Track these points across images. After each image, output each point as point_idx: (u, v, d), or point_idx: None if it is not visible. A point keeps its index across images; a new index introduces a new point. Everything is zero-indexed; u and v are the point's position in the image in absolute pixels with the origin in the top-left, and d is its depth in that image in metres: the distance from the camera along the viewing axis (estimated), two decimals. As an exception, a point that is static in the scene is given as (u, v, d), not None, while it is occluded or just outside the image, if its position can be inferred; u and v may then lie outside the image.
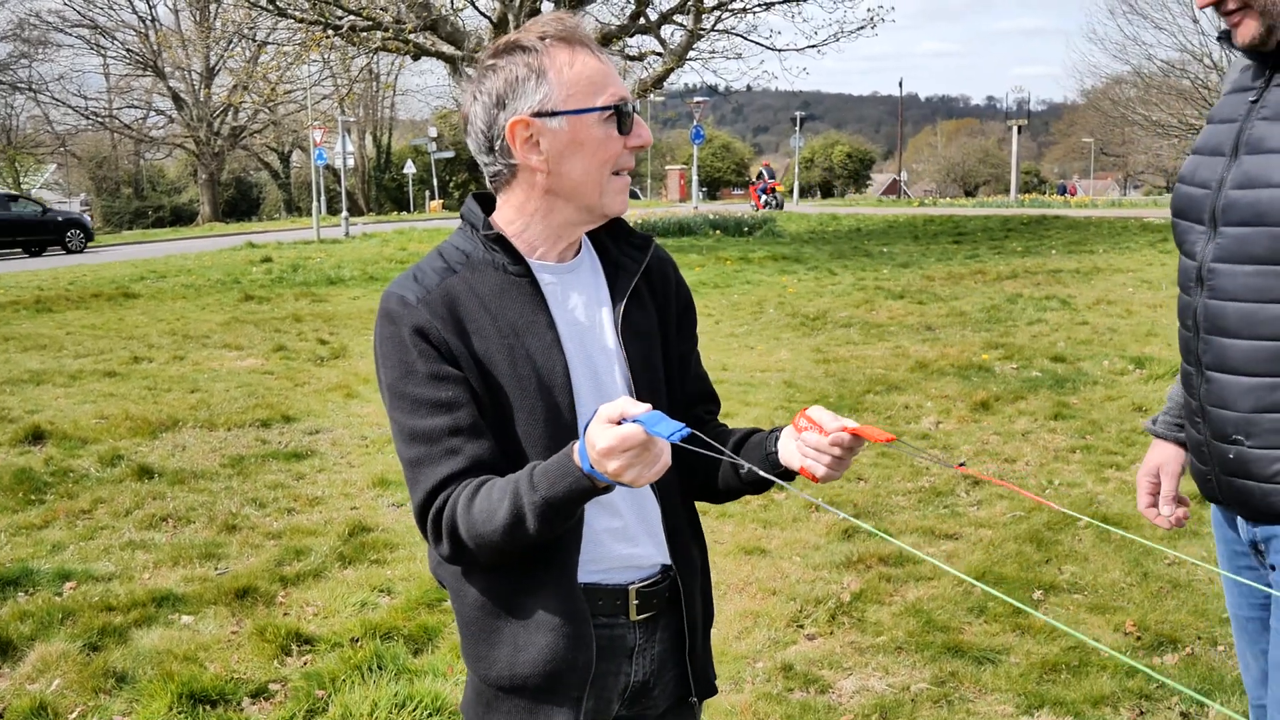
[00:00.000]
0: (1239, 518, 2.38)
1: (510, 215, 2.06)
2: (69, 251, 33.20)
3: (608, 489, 1.79)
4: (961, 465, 1.89)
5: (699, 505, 2.30)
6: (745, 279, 18.59)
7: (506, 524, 1.85)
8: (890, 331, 12.80)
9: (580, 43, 1.97)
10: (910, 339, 12.23)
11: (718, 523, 6.19)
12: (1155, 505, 2.65)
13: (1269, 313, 2.16)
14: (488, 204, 2.12)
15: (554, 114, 1.95)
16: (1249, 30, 2.16)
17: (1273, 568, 2.38)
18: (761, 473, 1.91)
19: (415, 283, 2.00)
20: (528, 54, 1.96)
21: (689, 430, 1.66)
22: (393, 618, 5.05)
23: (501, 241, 2.02)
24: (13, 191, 39.23)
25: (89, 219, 36.44)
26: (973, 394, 9.24)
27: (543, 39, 1.97)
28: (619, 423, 1.69)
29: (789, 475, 2.06)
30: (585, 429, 1.73)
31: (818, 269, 19.93)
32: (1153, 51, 47.87)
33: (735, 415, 8.61)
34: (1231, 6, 2.17)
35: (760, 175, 43.70)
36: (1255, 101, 2.24)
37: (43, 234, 33.40)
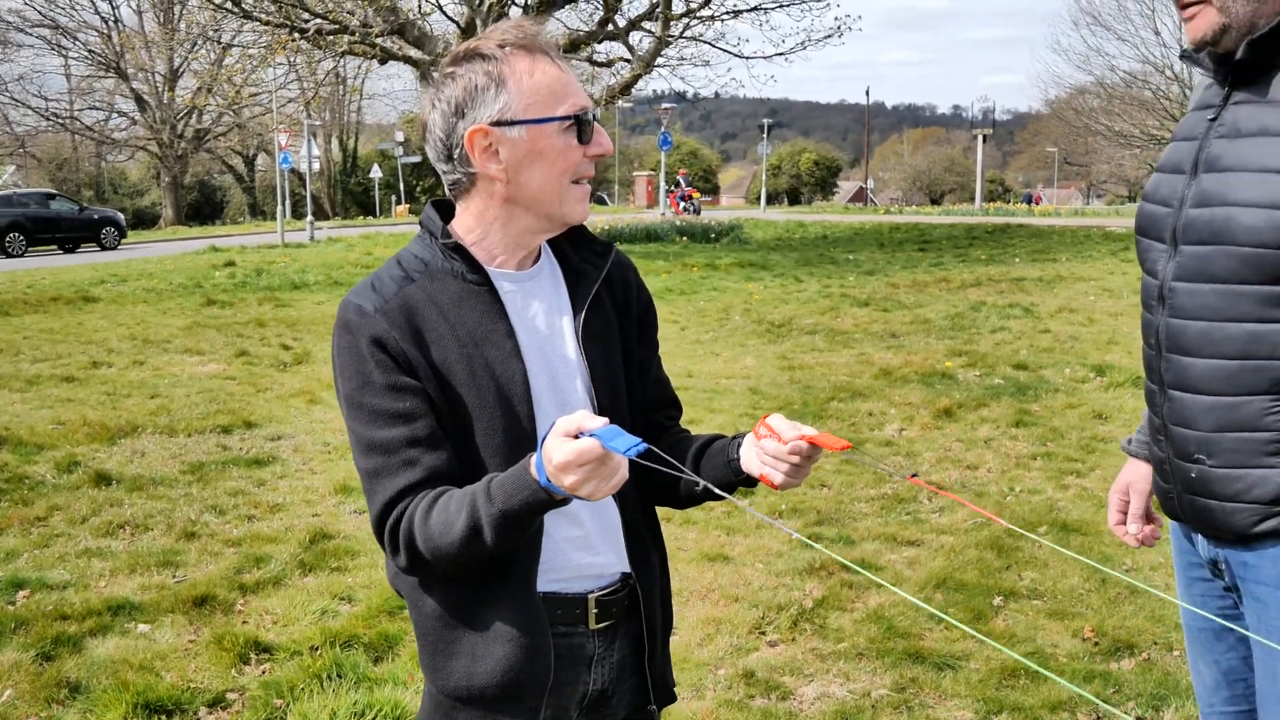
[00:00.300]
0: (1199, 535, 2.38)
1: (469, 223, 2.05)
2: (103, 248, 34.26)
3: (565, 501, 1.78)
4: (914, 476, 1.90)
5: (661, 511, 2.29)
6: (712, 286, 18.62)
7: (464, 536, 1.84)
8: (855, 339, 12.84)
9: (541, 51, 1.96)
10: (875, 346, 12.28)
11: (681, 529, 6.19)
12: (1125, 523, 2.66)
13: (1227, 332, 2.15)
14: (447, 212, 2.11)
15: (513, 123, 1.94)
16: (1203, 24, 2.15)
17: (1228, 589, 2.38)
18: (715, 489, 1.89)
19: (373, 292, 1.99)
20: (487, 62, 1.95)
21: (645, 445, 1.66)
22: (353, 625, 5.02)
23: (460, 250, 2.01)
24: (50, 190, 40.15)
25: (122, 217, 37.65)
26: (936, 401, 9.28)
27: (502, 47, 1.95)
28: (576, 436, 1.68)
29: (751, 481, 2.06)
30: (542, 442, 1.73)
31: (784, 276, 19.98)
32: (1115, 63, 48.69)
33: (700, 422, 8.61)
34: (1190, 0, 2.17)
35: (677, 183, 45.90)
36: (1214, 120, 2.24)
37: (79, 231, 34.57)
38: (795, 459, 1.93)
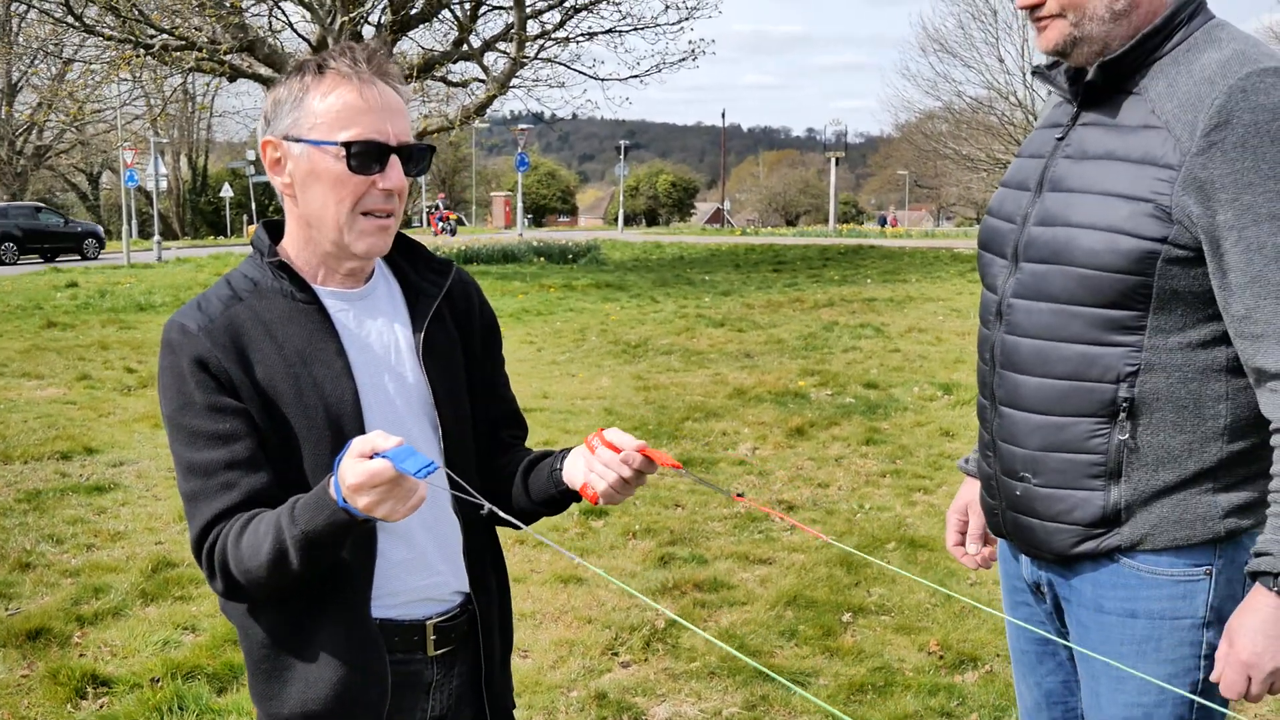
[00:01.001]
0: (1024, 557, 2.41)
1: (290, 241, 2.06)
2: (84, 258, 36.87)
3: (368, 522, 1.77)
4: (740, 495, 1.92)
5: (514, 532, 2.29)
6: (569, 306, 18.63)
7: (270, 559, 1.82)
8: (710, 359, 12.96)
9: (357, 76, 1.94)
10: (729, 366, 12.41)
11: (534, 551, 6.16)
12: (963, 543, 2.67)
13: (1060, 352, 2.16)
14: (278, 232, 2.09)
15: (298, 140, 1.95)
16: (1054, 34, 2.18)
17: (1050, 613, 2.43)
18: (500, 513, 1.84)
19: (199, 311, 1.97)
20: (302, 77, 1.97)
21: (437, 466, 1.66)
22: (196, 656, 4.88)
23: (287, 268, 2.00)
24: (39, 203, 41.89)
25: (102, 229, 40.54)
26: (788, 420, 9.41)
27: (321, 66, 1.96)
28: (371, 457, 1.67)
29: (571, 495, 2.08)
30: (338, 463, 1.71)
31: (640, 297, 20.09)
32: (962, 88, 49.84)
33: (556, 443, 8.59)
34: (1044, 13, 2.18)
35: (436, 206, 49.07)
36: (1061, 139, 2.25)
37: (64, 242, 37.29)
38: (626, 471, 1.93)
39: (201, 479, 1.91)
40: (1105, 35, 2.16)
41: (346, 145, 1.92)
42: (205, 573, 1.93)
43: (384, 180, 1.95)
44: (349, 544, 1.90)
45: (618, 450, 1.93)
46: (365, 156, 1.93)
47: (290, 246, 2.05)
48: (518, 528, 1.93)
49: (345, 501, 1.71)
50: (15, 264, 34.20)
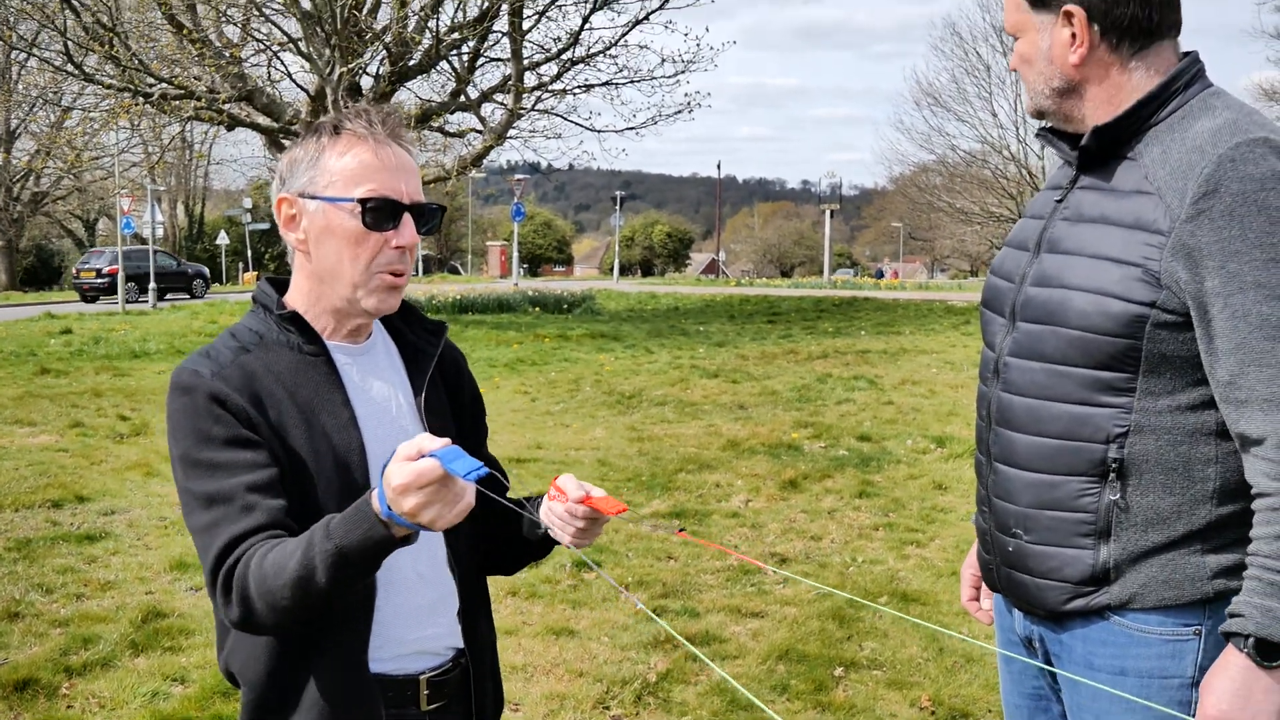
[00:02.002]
0: (1017, 611, 2.42)
1: (297, 296, 2.09)
2: (193, 296, 39.98)
3: (406, 538, 1.72)
4: (681, 531, 1.96)
5: (507, 584, 2.31)
6: (563, 356, 18.66)
7: (296, 576, 1.76)
8: (704, 410, 12.97)
9: (373, 137, 2.00)
10: (723, 418, 12.42)
11: (526, 603, 6.14)
12: (977, 599, 2.67)
13: (1052, 411, 2.19)
14: (280, 289, 2.12)
15: (314, 197, 1.99)
16: (1026, 98, 2.30)
17: (1045, 669, 2.43)
18: (546, 525, 1.96)
19: (208, 359, 2.00)
20: (318, 137, 2.02)
21: (486, 469, 1.63)
22: (185, 708, 4.86)
23: (297, 321, 2.03)
24: (156, 248, 44.45)
25: (208, 271, 44.34)
26: (782, 472, 9.41)
27: (337, 126, 2.01)
28: (419, 459, 1.65)
29: (552, 539, 2.13)
30: (384, 468, 1.68)
31: (635, 347, 20.13)
32: (956, 142, 49.90)
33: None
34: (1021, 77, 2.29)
35: None
36: (1060, 201, 2.29)
37: (175, 282, 39.99)
38: (580, 523, 1.99)
39: (223, 505, 1.87)
40: (1058, 109, 2.25)
41: (362, 201, 1.96)
42: (220, 599, 1.87)
43: (398, 238, 2.00)
44: (350, 594, 1.89)
45: (567, 497, 1.99)
46: (379, 213, 1.97)
47: (296, 302, 2.07)
48: (559, 543, 2.04)
49: (390, 510, 1.66)
50: (136, 301, 36.54)
